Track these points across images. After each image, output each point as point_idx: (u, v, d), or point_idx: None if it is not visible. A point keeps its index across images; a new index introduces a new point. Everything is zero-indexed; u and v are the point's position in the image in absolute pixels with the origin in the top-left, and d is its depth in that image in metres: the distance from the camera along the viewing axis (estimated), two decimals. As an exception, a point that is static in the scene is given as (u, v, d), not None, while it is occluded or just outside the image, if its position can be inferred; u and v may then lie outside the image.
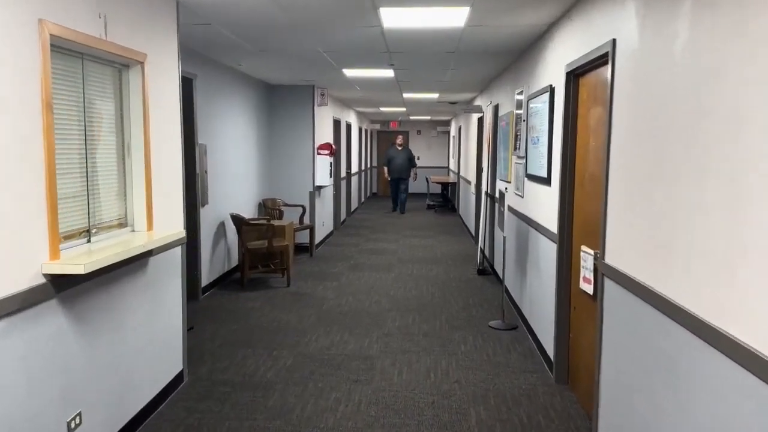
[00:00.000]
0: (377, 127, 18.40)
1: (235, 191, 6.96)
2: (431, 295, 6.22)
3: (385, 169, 13.62)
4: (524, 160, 5.15)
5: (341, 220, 11.47)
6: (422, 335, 4.89)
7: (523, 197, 5.27)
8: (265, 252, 6.45)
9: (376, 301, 5.97)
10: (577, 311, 3.72)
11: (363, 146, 15.93)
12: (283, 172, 8.56)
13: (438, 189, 17.11)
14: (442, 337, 4.83)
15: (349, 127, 12.57)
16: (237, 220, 6.37)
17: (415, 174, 14.09)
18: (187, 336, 4.64)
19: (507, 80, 6.45)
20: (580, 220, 3.66)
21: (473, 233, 9.90)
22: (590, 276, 3.35)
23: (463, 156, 12.45)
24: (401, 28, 4.51)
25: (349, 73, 6.94)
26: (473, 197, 9.80)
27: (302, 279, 6.87)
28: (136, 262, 3.18)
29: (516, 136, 5.53)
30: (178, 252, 3.71)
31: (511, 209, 5.81)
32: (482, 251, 7.71)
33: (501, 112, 6.81)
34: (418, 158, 17.73)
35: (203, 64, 5.85)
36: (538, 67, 4.72)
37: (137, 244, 2.88)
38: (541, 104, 4.50)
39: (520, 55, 5.59)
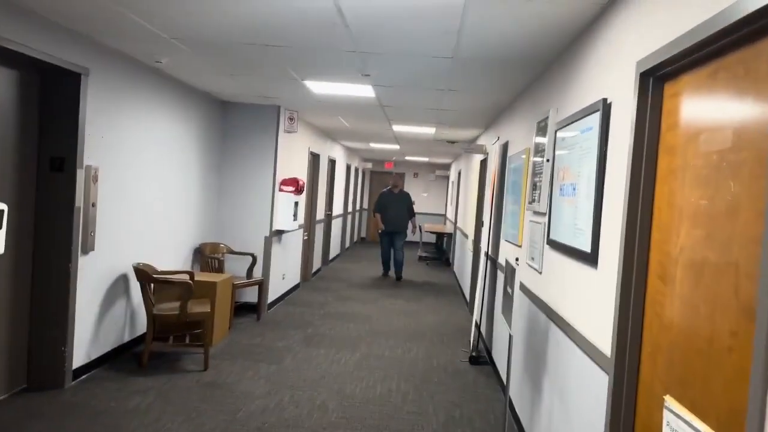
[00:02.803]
0: (370, 166, 16.79)
1: (151, 232, 5.22)
2: (402, 398, 4.41)
3: (378, 217, 10.36)
4: (545, 219, 3.46)
5: (313, 270, 9.70)
6: (374, 486, 3.08)
7: (540, 273, 3.55)
8: (176, 321, 4.67)
9: (320, 404, 4.15)
10: None
11: (352, 186, 14.27)
12: (231, 211, 6.82)
13: (432, 238, 15.44)
14: (405, 492, 3.03)
15: (332, 163, 10.93)
16: (141, 273, 4.62)
17: (414, 226, 10.83)
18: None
19: (523, 107, 4.80)
20: (664, 345, 1.92)
21: (468, 298, 8.12)
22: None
23: (461, 205, 10.76)
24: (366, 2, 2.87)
25: (315, 87, 5.28)
26: (470, 254, 8.06)
27: (231, 356, 5.06)
28: None
29: (534, 183, 3.84)
30: None
31: (521, 288, 4.08)
32: (478, 327, 5.93)
33: (511, 151, 5.15)
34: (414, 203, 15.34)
35: (100, 55, 4.20)
36: (580, 76, 3.06)
37: None
38: (581, 133, 2.82)
39: (546, 67, 3.95)
